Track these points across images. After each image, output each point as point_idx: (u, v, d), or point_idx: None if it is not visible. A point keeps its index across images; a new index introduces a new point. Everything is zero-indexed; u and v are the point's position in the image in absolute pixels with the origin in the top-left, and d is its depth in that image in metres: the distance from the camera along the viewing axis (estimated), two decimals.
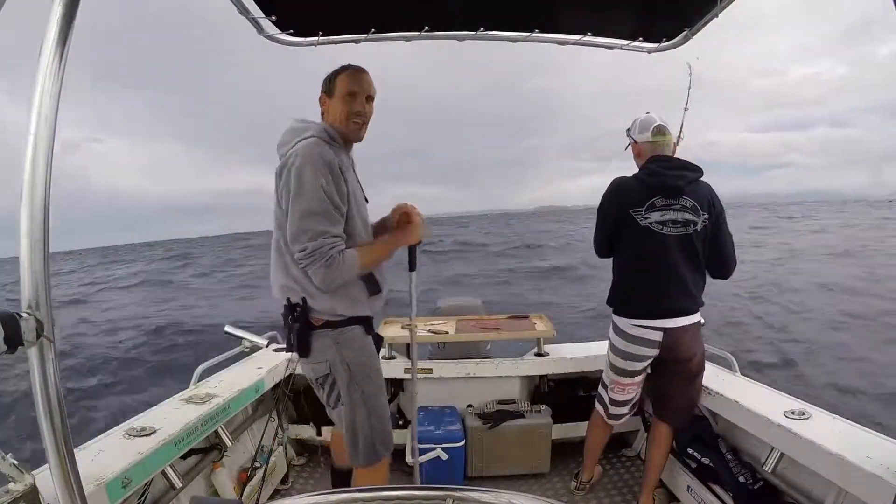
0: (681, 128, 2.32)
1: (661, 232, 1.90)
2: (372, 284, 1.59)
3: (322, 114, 1.59)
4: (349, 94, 1.52)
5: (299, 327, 1.52)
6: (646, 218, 1.91)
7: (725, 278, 2.01)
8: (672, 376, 2.04)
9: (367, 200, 1.62)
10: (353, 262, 1.45)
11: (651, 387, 2.18)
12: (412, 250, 1.73)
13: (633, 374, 2.07)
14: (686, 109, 2.41)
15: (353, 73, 1.53)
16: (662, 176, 1.92)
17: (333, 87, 1.54)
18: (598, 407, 2.23)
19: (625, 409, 2.17)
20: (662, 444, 2.10)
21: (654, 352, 1.98)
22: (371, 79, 1.55)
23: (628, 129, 2.08)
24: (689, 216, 1.91)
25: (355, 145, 1.64)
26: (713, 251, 1.96)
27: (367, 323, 1.62)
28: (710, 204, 1.93)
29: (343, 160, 1.51)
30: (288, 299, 1.54)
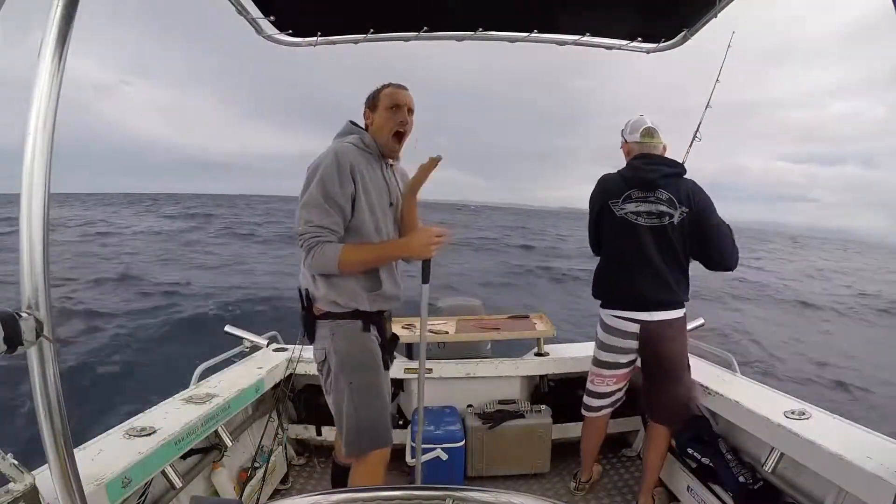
0: (698, 126, 2.40)
1: (634, 222, 1.95)
2: (372, 281, 1.63)
3: (366, 126, 1.71)
4: (392, 107, 1.64)
5: (304, 315, 1.67)
6: (621, 209, 1.98)
7: (729, 269, 2.00)
8: (657, 375, 2.05)
9: (392, 204, 1.67)
10: (333, 255, 1.51)
11: (643, 387, 2.18)
12: (426, 264, 1.72)
13: (611, 366, 2.09)
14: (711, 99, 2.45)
15: (396, 89, 1.66)
16: (639, 170, 1.98)
17: (377, 101, 1.66)
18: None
19: (601, 402, 2.17)
20: (659, 445, 2.10)
21: (633, 344, 2.00)
22: (411, 94, 1.68)
23: (622, 130, 2.12)
24: (663, 208, 1.93)
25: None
26: (701, 244, 1.97)
27: (368, 318, 1.63)
28: (690, 198, 1.94)
29: (371, 166, 1.63)
30: (298, 288, 1.68)
